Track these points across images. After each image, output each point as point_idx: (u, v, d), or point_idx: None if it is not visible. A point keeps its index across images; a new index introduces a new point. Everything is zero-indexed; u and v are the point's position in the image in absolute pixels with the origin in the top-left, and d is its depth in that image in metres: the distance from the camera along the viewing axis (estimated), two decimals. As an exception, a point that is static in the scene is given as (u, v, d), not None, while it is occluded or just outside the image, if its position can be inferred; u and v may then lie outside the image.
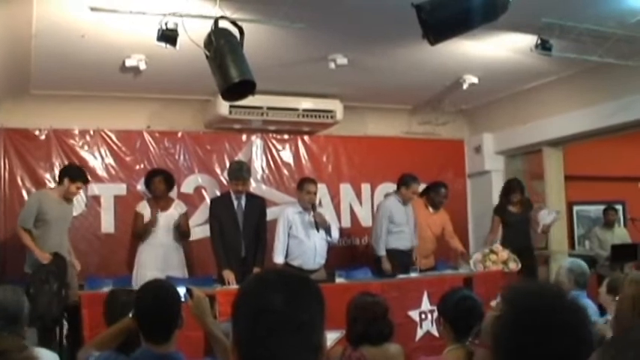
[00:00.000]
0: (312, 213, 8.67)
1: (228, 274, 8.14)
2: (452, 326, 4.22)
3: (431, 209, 10.18)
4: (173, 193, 9.60)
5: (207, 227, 9.06)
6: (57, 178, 8.55)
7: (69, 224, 8.43)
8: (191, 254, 9.57)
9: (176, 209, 9.24)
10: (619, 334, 2.92)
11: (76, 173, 8.25)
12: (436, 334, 7.51)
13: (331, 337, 5.65)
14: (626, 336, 1.59)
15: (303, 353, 1.91)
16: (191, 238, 9.53)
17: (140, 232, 9.07)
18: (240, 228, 8.53)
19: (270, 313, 1.88)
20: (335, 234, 8.98)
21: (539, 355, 1.96)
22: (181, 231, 9.15)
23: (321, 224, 8.69)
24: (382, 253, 9.43)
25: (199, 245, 9.61)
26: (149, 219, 9.00)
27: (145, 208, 9.17)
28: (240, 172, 8.63)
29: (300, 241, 8.73)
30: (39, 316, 6.92)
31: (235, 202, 8.61)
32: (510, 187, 10.15)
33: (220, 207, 8.70)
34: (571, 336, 1.95)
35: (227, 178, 9.10)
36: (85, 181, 8.30)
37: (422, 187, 10.05)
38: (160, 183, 9.23)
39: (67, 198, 8.26)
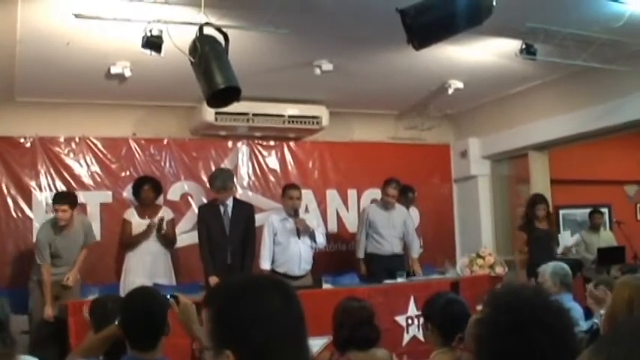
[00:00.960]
0: (294, 219, 8.68)
1: (215, 281, 8.11)
2: (439, 330, 4.21)
3: None
4: (159, 200, 9.57)
5: (193, 234, 9.07)
6: None
7: (79, 247, 8.53)
8: (178, 261, 9.53)
9: (163, 215, 9.21)
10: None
11: (54, 197, 8.51)
12: (423, 339, 7.50)
13: (318, 342, 5.66)
14: (619, 328, 1.58)
15: (303, 352, 1.91)
16: (178, 245, 9.49)
17: (131, 241, 9.05)
18: (227, 234, 8.52)
19: (271, 314, 1.87)
20: (320, 239, 8.96)
21: (519, 355, 1.95)
22: (167, 237, 9.13)
23: (303, 231, 8.71)
24: (359, 255, 9.69)
25: (186, 252, 9.57)
26: (143, 229, 8.98)
27: (132, 216, 9.16)
28: (216, 180, 8.67)
29: (284, 248, 8.72)
30: None
31: (222, 209, 8.61)
32: (535, 201, 9.75)
33: (207, 214, 8.69)
34: (551, 335, 1.94)
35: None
36: (58, 202, 8.30)
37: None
38: (149, 191, 9.23)
39: (60, 225, 8.29)
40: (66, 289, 8.24)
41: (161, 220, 8.98)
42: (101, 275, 9.21)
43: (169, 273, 9.14)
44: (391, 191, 9.48)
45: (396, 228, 9.57)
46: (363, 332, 4.84)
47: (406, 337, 7.92)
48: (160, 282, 8.43)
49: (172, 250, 9.33)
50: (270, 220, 8.86)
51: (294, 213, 8.70)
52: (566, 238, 10.10)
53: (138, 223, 9.06)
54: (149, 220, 9.00)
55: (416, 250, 9.68)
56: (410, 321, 7.99)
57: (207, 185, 9.73)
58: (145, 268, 8.87)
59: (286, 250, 8.71)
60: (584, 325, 5.14)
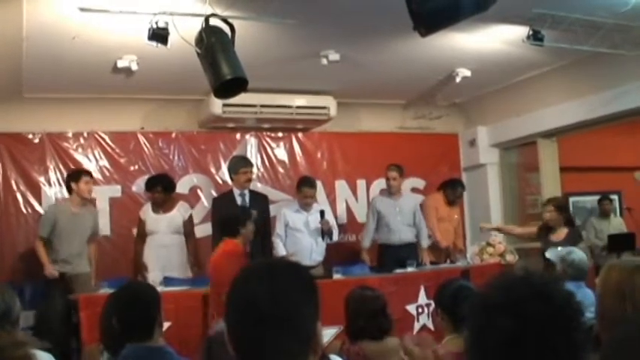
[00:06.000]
0: (320, 221, 8.85)
1: None
2: (450, 316, 4.21)
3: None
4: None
5: (204, 227, 9.09)
6: (67, 190, 8.53)
7: (87, 235, 8.45)
8: (198, 253, 9.36)
9: (179, 211, 9.12)
10: (605, 329, 2.78)
11: (74, 174, 8.50)
12: (433, 327, 7.52)
13: (329, 332, 5.65)
14: (617, 334, 1.51)
15: (290, 344, 1.89)
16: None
17: (143, 239, 9.05)
18: None
19: (254, 305, 1.88)
20: (335, 235, 9.20)
21: (477, 335, 1.86)
22: (186, 234, 9.11)
23: (327, 232, 8.90)
24: (365, 245, 9.77)
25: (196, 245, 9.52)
26: (158, 224, 8.98)
27: (147, 212, 9.07)
28: (246, 160, 9.01)
29: (296, 239, 8.84)
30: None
31: (239, 199, 8.60)
32: None
33: (223, 204, 8.66)
34: (520, 323, 1.77)
35: (233, 171, 8.94)
36: (84, 173, 8.46)
37: (418, 180, 10.18)
38: (159, 194, 9.04)
39: (84, 199, 8.38)
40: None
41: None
42: (110, 270, 9.15)
43: (184, 266, 9.07)
44: (389, 174, 9.53)
45: (405, 215, 9.56)
46: (377, 322, 4.84)
47: (417, 326, 7.91)
48: (172, 275, 8.42)
49: (190, 243, 9.17)
50: (283, 212, 9.02)
51: (320, 214, 8.86)
52: None
53: (153, 219, 9.00)
54: (164, 214, 8.99)
55: (425, 240, 9.67)
56: (420, 310, 7.99)
57: (217, 177, 9.83)
58: (159, 262, 8.80)
59: (298, 241, 8.84)
60: (593, 311, 5.09)
